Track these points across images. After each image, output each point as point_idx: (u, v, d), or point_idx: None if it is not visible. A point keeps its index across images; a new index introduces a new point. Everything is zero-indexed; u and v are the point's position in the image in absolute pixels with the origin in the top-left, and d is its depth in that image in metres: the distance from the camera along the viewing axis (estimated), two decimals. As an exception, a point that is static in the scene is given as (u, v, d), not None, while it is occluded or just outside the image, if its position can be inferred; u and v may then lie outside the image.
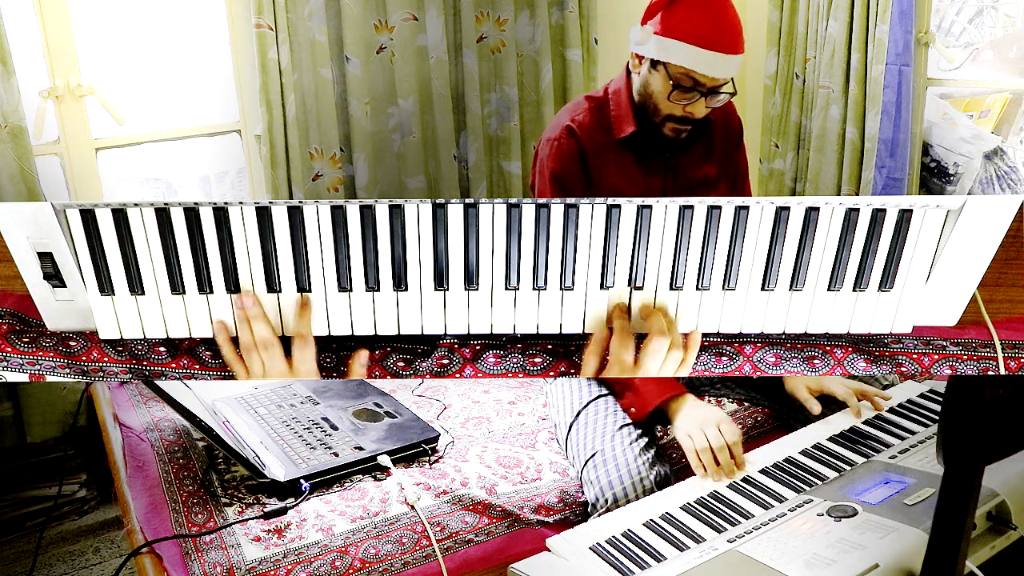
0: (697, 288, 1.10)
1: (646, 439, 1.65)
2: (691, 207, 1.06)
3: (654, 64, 1.57)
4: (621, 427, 1.66)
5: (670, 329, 1.09)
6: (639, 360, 1.09)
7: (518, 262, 1.07)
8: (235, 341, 1.09)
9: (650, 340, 1.08)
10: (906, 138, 2.90)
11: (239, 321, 1.07)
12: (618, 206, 1.05)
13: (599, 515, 1.53)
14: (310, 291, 1.07)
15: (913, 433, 1.59)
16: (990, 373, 1.21)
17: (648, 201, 1.06)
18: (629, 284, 1.09)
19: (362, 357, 1.14)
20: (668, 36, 1.52)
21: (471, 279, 1.07)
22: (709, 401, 1.83)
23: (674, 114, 1.59)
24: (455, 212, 1.04)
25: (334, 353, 1.17)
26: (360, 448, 1.75)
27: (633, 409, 1.69)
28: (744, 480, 1.50)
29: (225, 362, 1.10)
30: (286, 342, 1.09)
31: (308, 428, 1.86)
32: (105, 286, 1.06)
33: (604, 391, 1.75)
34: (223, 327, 1.09)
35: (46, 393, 2.52)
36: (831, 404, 1.72)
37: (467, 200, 1.04)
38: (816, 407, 1.67)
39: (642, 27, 1.57)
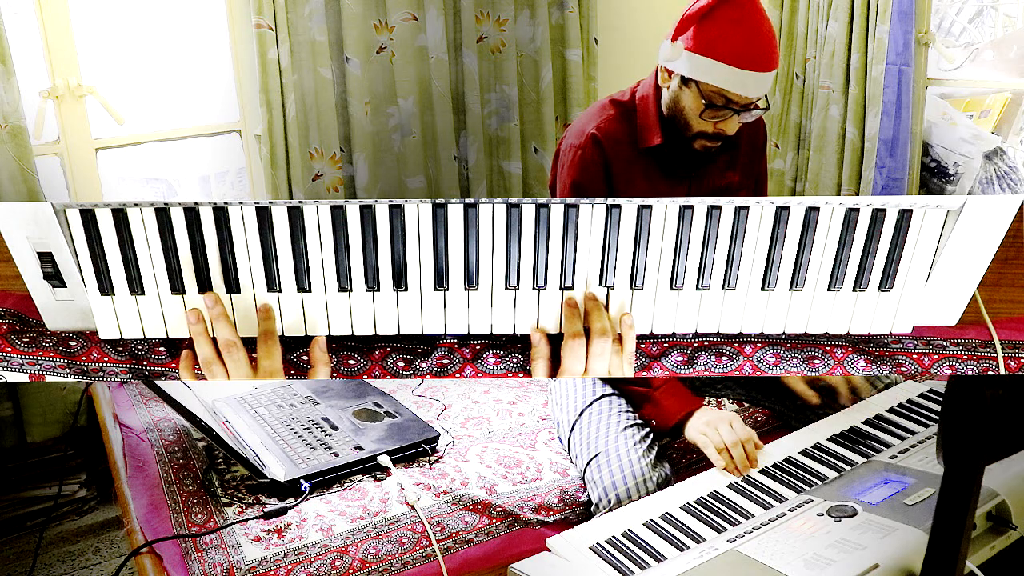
0: (697, 288, 1.10)
1: (649, 440, 1.65)
2: (691, 207, 1.06)
3: (685, 81, 1.51)
4: (625, 428, 1.66)
5: (615, 329, 1.08)
6: (587, 364, 1.07)
7: (518, 262, 1.07)
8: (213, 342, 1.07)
9: (592, 342, 1.06)
10: (906, 138, 2.90)
11: (196, 334, 1.06)
12: (618, 206, 1.05)
13: (602, 515, 1.53)
14: (310, 291, 1.07)
15: (913, 433, 1.59)
16: (990, 373, 1.21)
17: (648, 201, 1.06)
18: (630, 284, 1.09)
19: (321, 343, 1.09)
20: (700, 54, 1.46)
21: (471, 279, 1.07)
22: (709, 402, 1.84)
23: (705, 131, 1.54)
24: (455, 212, 1.04)
25: (334, 352, 1.17)
26: (360, 448, 1.75)
27: (654, 422, 1.69)
28: (744, 480, 1.50)
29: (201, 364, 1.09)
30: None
31: (308, 428, 1.86)
32: (105, 286, 1.06)
33: (608, 390, 1.75)
34: (200, 328, 1.07)
35: (46, 393, 2.52)
36: (832, 400, 1.73)
37: (467, 200, 1.04)
38: (814, 398, 1.67)
39: (672, 43, 1.50)
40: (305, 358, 1.16)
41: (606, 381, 1.77)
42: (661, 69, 1.57)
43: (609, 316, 1.08)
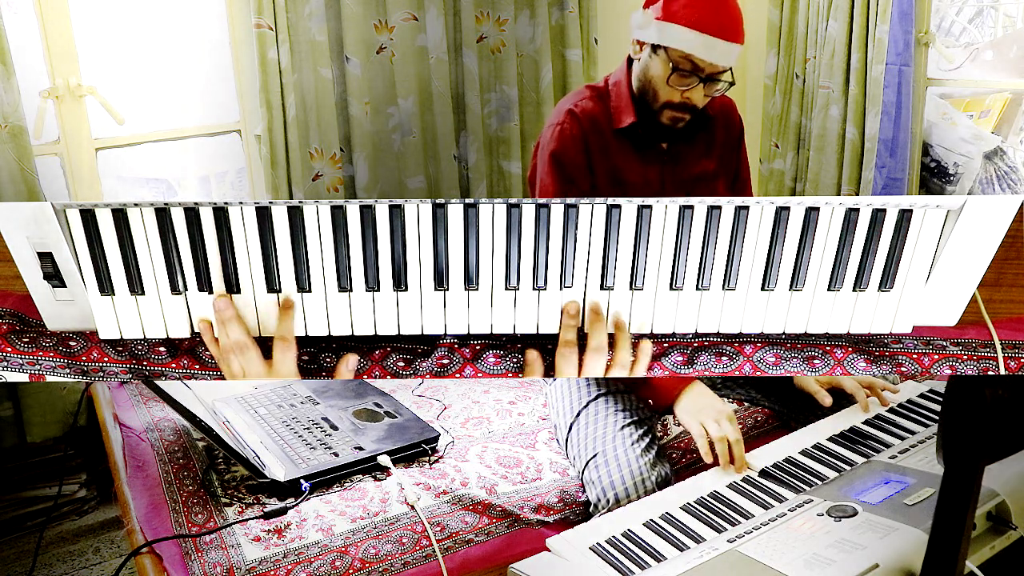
0: (697, 288, 1.10)
1: (648, 439, 1.65)
2: (691, 207, 1.06)
3: (655, 49, 1.59)
4: (623, 427, 1.66)
5: (618, 345, 1.10)
6: (580, 372, 1.11)
7: (518, 262, 1.07)
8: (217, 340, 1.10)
9: (586, 356, 1.10)
10: (906, 138, 2.90)
11: (216, 324, 1.08)
12: (618, 206, 1.05)
13: (601, 515, 1.53)
14: (310, 291, 1.07)
15: (913, 433, 1.59)
16: (990, 373, 1.21)
17: (648, 201, 1.06)
18: (630, 284, 1.09)
19: (350, 362, 1.13)
20: (670, 20, 1.55)
21: (471, 279, 1.07)
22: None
23: (672, 100, 1.61)
24: (455, 212, 1.04)
25: (334, 353, 1.17)
26: (360, 448, 1.75)
27: (651, 401, 1.71)
28: (744, 480, 1.50)
29: (216, 361, 1.11)
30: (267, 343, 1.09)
31: (308, 428, 1.86)
32: (105, 286, 1.06)
33: (604, 390, 1.75)
34: (208, 327, 1.09)
35: (46, 393, 2.52)
36: (839, 399, 1.73)
37: (467, 200, 1.04)
38: (827, 399, 1.68)
39: (644, 12, 1.60)
40: (306, 358, 1.16)
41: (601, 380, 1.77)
42: (633, 42, 1.65)
43: (622, 337, 1.10)
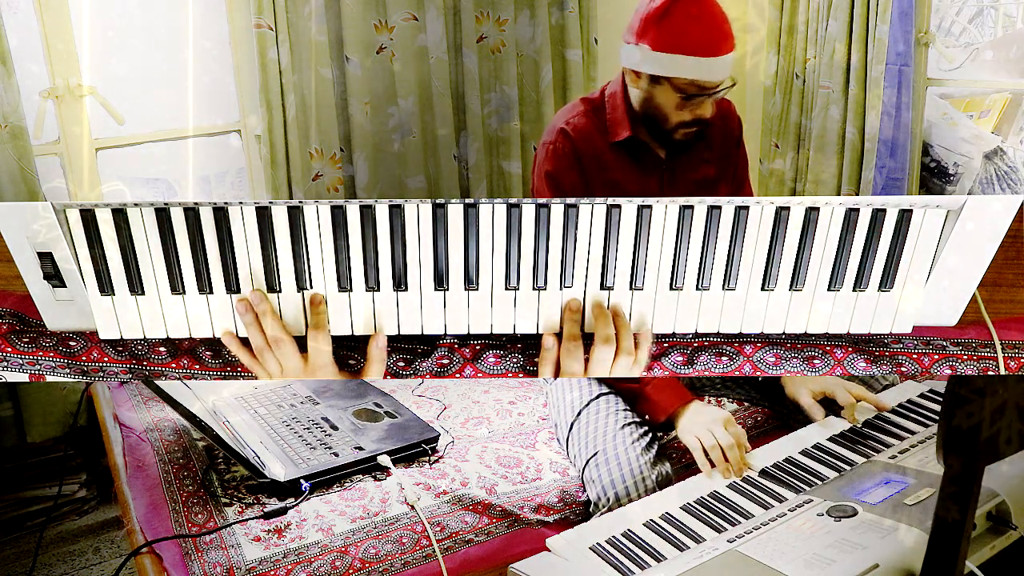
0: (697, 288, 1.10)
1: (648, 438, 1.65)
2: (691, 207, 1.06)
3: (655, 79, 1.58)
4: (623, 426, 1.66)
5: (620, 334, 1.09)
6: (587, 368, 1.10)
7: (518, 262, 1.07)
8: (246, 344, 1.09)
9: (594, 349, 1.09)
10: (906, 138, 2.90)
11: (246, 322, 1.07)
12: (618, 206, 1.05)
13: (601, 515, 1.54)
14: (311, 291, 1.07)
15: (913, 433, 1.59)
16: (990, 373, 1.21)
17: (648, 201, 1.06)
18: (630, 284, 1.09)
19: (379, 340, 1.11)
20: (666, 51, 1.53)
21: (471, 279, 1.08)
22: (709, 401, 1.83)
23: (684, 120, 1.61)
24: (455, 212, 1.05)
25: (334, 353, 1.17)
26: (360, 448, 1.75)
27: (647, 416, 1.70)
28: (744, 480, 1.50)
29: (246, 367, 1.11)
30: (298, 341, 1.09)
31: (308, 428, 1.86)
32: (105, 286, 1.06)
33: (605, 390, 1.75)
34: (231, 336, 1.09)
35: (46, 393, 2.52)
36: (833, 406, 1.72)
37: (467, 200, 1.04)
38: (820, 414, 1.65)
39: (637, 46, 1.57)
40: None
41: (601, 380, 1.77)
42: (629, 72, 1.63)
43: (622, 326, 1.09)
